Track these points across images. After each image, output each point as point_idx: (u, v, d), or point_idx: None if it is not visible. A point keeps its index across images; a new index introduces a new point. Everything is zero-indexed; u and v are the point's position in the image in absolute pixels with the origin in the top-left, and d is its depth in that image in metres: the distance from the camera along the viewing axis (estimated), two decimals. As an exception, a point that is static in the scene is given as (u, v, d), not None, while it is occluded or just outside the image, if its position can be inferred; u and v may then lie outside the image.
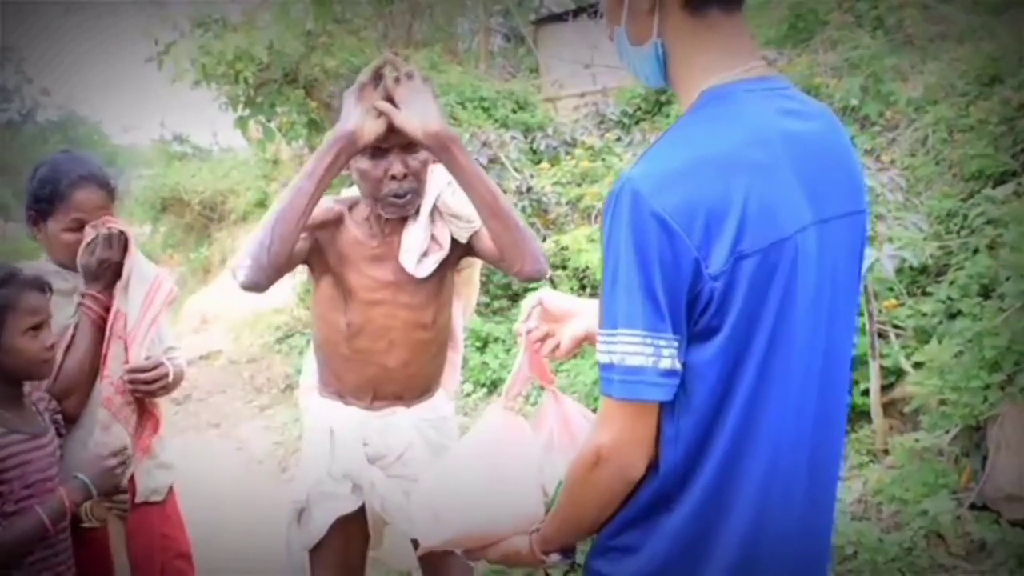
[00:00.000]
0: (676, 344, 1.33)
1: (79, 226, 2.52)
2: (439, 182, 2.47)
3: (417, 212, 2.46)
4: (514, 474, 1.73)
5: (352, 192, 2.54)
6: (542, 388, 1.89)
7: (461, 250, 2.53)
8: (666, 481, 1.41)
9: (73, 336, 2.48)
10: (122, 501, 2.40)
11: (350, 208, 2.50)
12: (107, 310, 2.50)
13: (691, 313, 1.34)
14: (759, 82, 1.44)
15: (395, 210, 2.37)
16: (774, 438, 1.40)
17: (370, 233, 2.47)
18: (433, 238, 2.47)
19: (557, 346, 1.84)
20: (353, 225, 2.48)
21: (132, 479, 2.61)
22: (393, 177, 2.31)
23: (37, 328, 2.25)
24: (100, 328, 2.49)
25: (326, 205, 2.45)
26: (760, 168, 1.35)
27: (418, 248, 2.43)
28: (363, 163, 2.32)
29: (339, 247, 2.47)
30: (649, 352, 1.32)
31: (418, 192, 2.39)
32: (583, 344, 1.83)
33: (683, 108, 1.48)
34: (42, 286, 2.29)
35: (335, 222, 2.47)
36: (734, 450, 1.38)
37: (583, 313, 1.82)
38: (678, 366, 1.34)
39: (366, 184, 2.36)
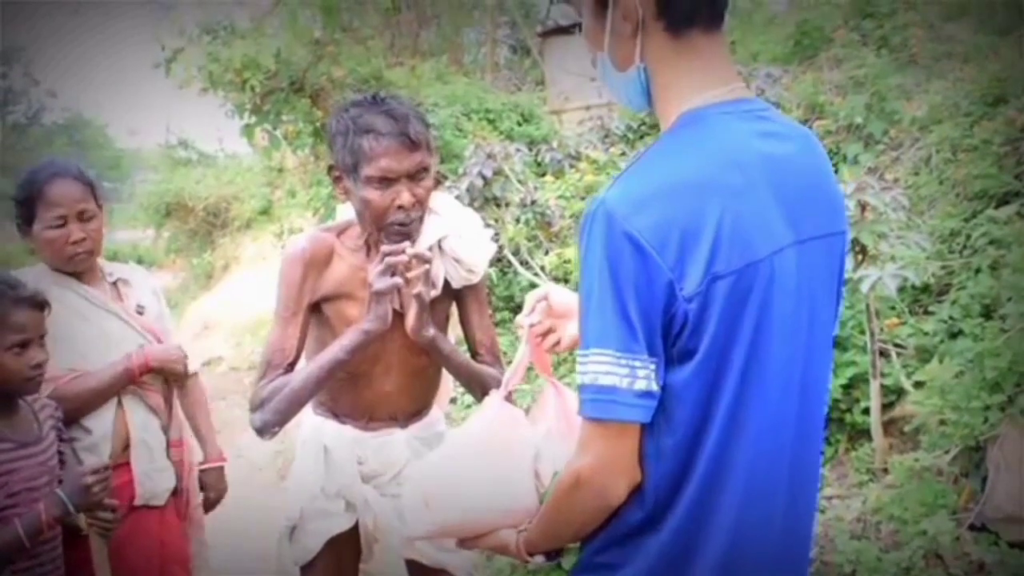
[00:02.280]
0: (652, 366, 1.33)
1: (61, 223, 2.54)
2: (445, 223, 2.42)
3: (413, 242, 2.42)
4: (508, 464, 1.73)
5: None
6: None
7: (450, 297, 2.50)
8: (648, 501, 1.42)
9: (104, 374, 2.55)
10: (104, 519, 2.36)
11: (339, 235, 2.46)
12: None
13: (667, 335, 1.34)
14: (737, 104, 1.45)
15: (398, 238, 2.33)
16: (754, 457, 1.40)
17: (366, 258, 2.42)
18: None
19: (558, 342, 1.86)
20: (347, 253, 2.43)
21: (132, 484, 2.62)
22: (400, 207, 2.27)
23: (24, 346, 2.23)
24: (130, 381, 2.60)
25: (316, 237, 2.43)
26: (735, 190, 1.35)
27: None
28: (370, 193, 2.26)
29: (333, 279, 2.41)
30: (623, 373, 1.32)
31: (421, 219, 2.36)
32: None
33: (663, 130, 1.48)
34: (37, 303, 2.28)
35: (325, 258, 2.41)
36: (715, 469, 1.39)
37: None
38: (655, 388, 1.34)
39: (370, 213, 2.30)
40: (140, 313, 2.76)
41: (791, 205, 1.42)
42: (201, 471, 2.89)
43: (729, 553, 1.41)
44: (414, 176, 2.27)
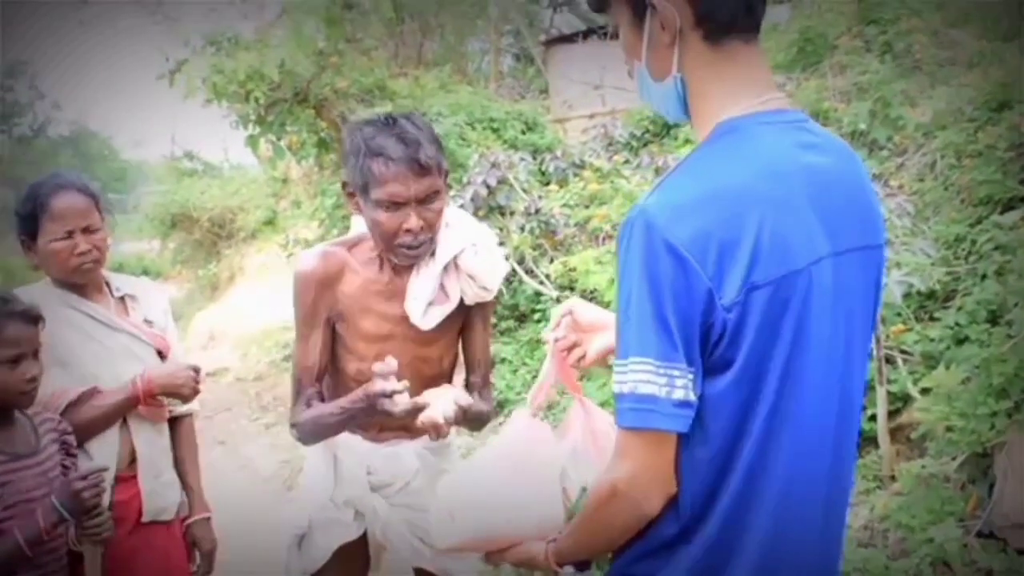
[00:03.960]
0: (691, 375, 1.33)
1: (67, 235, 2.51)
2: (461, 239, 2.41)
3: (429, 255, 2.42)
4: (535, 479, 1.73)
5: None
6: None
7: (461, 313, 2.49)
8: (683, 513, 1.42)
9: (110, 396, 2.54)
10: (95, 526, 2.29)
11: (351, 248, 2.46)
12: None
13: (705, 344, 1.34)
14: (776, 115, 1.45)
15: (407, 259, 2.33)
16: (790, 471, 1.40)
17: (379, 271, 2.42)
18: (442, 288, 2.42)
19: (583, 356, 1.86)
20: (359, 267, 2.43)
21: (139, 498, 2.61)
22: (408, 230, 2.27)
23: (16, 360, 2.23)
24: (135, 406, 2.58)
25: (327, 252, 2.43)
26: (774, 200, 1.35)
27: (425, 297, 2.39)
28: (380, 215, 2.26)
29: (346, 294, 2.42)
30: (662, 382, 1.31)
31: (431, 240, 2.35)
32: (608, 356, 1.83)
33: (699, 139, 1.48)
34: (31, 318, 2.27)
35: (337, 274, 2.42)
36: (750, 483, 1.39)
37: (612, 326, 1.82)
38: (692, 397, 1.34)
39: (379, 234, 2.30)
40: (149, 324, 2.75)
41: (829, 217, 1.42)
42: (189, 524, 2.83)
43: (762, 567, 1.41)
44: (423, 200, 2.26)
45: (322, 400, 2.46)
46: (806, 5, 9.90)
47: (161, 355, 2.73)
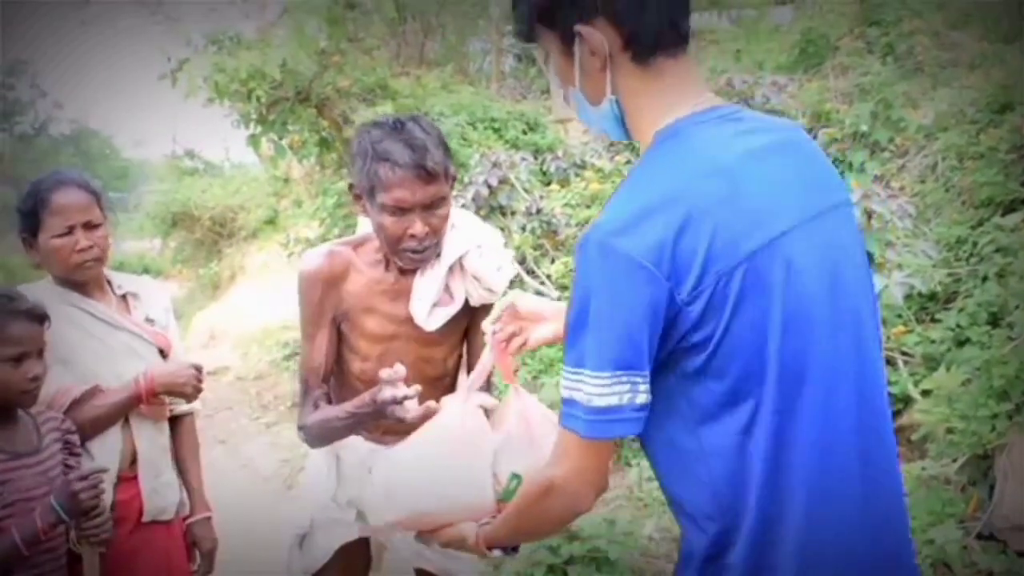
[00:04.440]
0: (648, 377, 1.37)
1: (67, 231, 2.50)
2: (467, 241, 2.40)
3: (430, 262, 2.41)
4: (467, 463, 1.82)
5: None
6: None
7: (466, 314, 2.48)
8: (715, 522, 1.43)
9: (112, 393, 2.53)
10: (94, 527, 2.27)
11: (356, 248, 2.45)
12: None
13: (668, 337, 1.37)
14: (710, 112, 1.48)
15: (412, 263, 2.33)
16: (815, 448, 1.40)
17: (384, 271, 2.42)
18: (447, 289, 2.42)
19: (524, 343, 1.94)
20: (364, 267, 2.42)
21: (140, 498, 2.61)
22: (413, 236, 2.26)
23: (20, 359, 2.21)
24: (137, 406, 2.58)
25: (332, 252, 2.43)
26: (720, 192, 1.37)
27: (430, 298, 2.38)
28: (385, 219, 2.25)
29: (351, 293, 2.42)
30: (624, 390, 1.35)
31: (436, 244, 2.34)
32: (548, 343, 1.95)
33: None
34: (36, 316, 2.26)
35: (342, 273, 2.42)
36: (772, 469, 1.39)
37: (552, 318, 1.91)
38: (648, 399, 1.38)
39: (384, 238, 2.30)
40: (151, 322, 2.74)
41: (785, 190, 1.44)
42: (190, 524, 2.81)
43: (805, 555, 1.40)
44: (429, 206, 2.25)
45: (329, 401, 2.45)
46: (808, 6, 9.92)
47: (163, 353, 2.72)
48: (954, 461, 3.99)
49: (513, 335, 1.93)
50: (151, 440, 2.66)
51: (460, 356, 2.58)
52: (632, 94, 1.49)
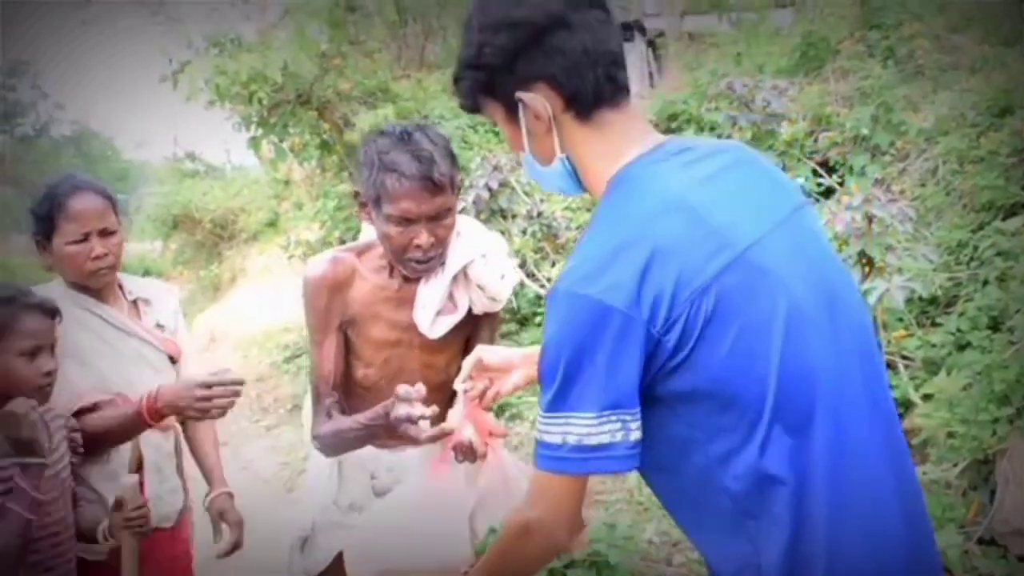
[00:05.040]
0: (638, 415, 1.39)
1: (82, 238, 2.48)
2: (471, 249, 2.40)
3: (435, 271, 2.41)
4: (445, 520, 1.90)
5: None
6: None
7: (469, 323, 2.48)
8: (748, 544, 1.43)
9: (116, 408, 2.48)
10: (138, 516, 2.27)
11: (360, 254, 2.45)
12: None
13: (654, 371, 1.39)
14: (657, 151, 1.52)
15: (417, 273, 2.32)
16: (836, 440, 1.40)
17: (388, 278, 2.41)
18: (451, 297, 2.42)
19: (496, 394, 2.01)
20: (368, 273, 2.42)
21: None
22: (419, 246, 2.26)
23: (34, 353, 2.19)
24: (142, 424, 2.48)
25: (336, 258, 2.42)
26: (675, 225, 1.40)
27: (434, 306, 2.38)
28: (390, 229, 2.25)
29: (356, 300, 2.41)
30: (616, 428, 1.37)
31: (442, 254, 2.34)
32: (521, 389, 2.02)
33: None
34: (48, 311, 2.25)
35: (347, 280, 2.41)
36: (798, 490, 1.38)
37: (522, 364, 1.99)
38: (640, 435, 1.40)
39: (389, 247, 2.30)
40: (161, 328, 2.72)
41: (745, 204, 1.47)
42: (213, 499, 2.78)
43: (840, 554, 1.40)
44: (435, 217, 2.25)
45: (342, 410, 2.44)
46: (809, 10, 9.91)
47: (173, 360, 2.71)
48: (955, 465, 3.98)
49: (484, 390, 1.99)
50: (157, 447, 2.64)
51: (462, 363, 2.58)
52: (580, 150, 1.54)
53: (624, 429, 1.38)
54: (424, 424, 2.09)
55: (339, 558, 2.50)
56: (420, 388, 2.12)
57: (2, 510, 2.10)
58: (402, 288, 2.40)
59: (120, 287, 2.70)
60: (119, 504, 2.25)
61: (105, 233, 2.53)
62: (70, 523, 2.30)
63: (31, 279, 2.71)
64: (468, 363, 2.00)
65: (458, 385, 1.99)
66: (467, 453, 2.10)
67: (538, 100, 1.50)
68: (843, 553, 1.39)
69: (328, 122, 8.62)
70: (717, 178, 1.49)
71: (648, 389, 1.40)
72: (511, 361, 2.01)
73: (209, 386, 2.42)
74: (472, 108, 1.61)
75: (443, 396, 2.52)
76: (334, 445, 2.40)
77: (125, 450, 2.53)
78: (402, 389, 2.11)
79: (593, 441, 1.37)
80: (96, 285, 2.57)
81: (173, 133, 32.53)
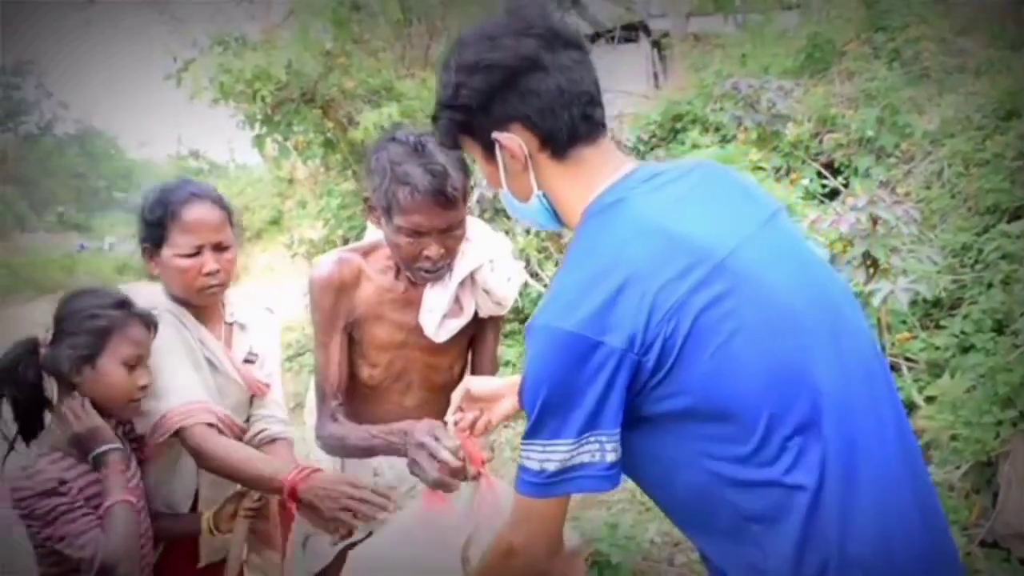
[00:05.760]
0: (617, 436, 1.40)
1: (195, 251, 2.32)
2: (479, 255, 2.39)
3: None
4: (437, 551, 1.91)
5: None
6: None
7: (475, 325, 2.47)
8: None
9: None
10: (255, 502, 2.26)
11: (366, 255, 2.43)
12: None
13: (634, 390, 1.39)
14: (629, 178, 1.53)
15: (425, 279, 2.31)
16: (839, 429, 1.39)
17: (394, 279, 2.40)
18: (457, 301, 2.41)
19: (488, 424, 2.04)
20: (375, 274, 2.40)
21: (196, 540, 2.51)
22: (428, 257, 2.24)
23: (134, 364, 2.14)
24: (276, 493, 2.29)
25: (342, 259, 2.40)
26: (652, 249, 1.41)
27: (440, 310, 2.37)
28: (400, 240, 2.22)
29: (362, 301, 2.40)
30: (594, 449, 1.39)
31: (451, 263, 2.32)
32: (510, 417, 2.05)
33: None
34: (151, 323, 2.19)
35: (353, 281, 2.40)
36: (816, 499, 1.37)
37: (509, 392, 2.02)
38: (618, 457, 1.41)
39: (399, 255, 2.28)
40: (251, 361, 2.55)
41: (718, 219, 1.48)
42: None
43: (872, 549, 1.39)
44: (446, 230, 2.23)
45: (345, 414, 2.41)
46: (815, 11, 9.91)
47: (253, 397, 2.56)
48: (958, 468, 3.97)
49: (475, 420, 2.02)
50: (215, 483, 2.46)
51: (465, 363, 2.58)
52: (557, 186, 1.56)
53: (601, 450, 1.39)
54: (430, 467, 2.02)
55: (341, 555, 2.50)
56: (454, 437, 2.05)
57: (109, 513, 2.05)
58: (408, 290, 2.39)
59: (222, 305, 2.54)
60: (240, 494, 2.26)
61: (219, 247, 2.37)
62: (151, 535, 2.26)
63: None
64: (457, 395, 2.02)
65: (448, 417, 2.01)
66: (455, 475, 2.08)
67: (514, 140, 1.53)
68: (860, 554, 1.38)
69: (332, 120, 8.63)
70: (689, 196, 1.51)
71: (637, 409, 1.41)
72: (499, 391, 2.04)
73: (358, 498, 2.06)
74: (452, 145, 1.64)
75: (446, 396, 2.52)
76: (339, 449, 2.39)
77: (187, 486, 2.45)
78: (440, 424, 2.08)
79: (570, 463, 1.40)
80: (201, 303, 2.42)
81: (177, 132, 32.63)
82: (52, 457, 2.07)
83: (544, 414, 1.40)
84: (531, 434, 1.43)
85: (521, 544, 1.53)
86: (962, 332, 4.46)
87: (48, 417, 2.20)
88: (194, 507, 2.47)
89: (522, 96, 1.50)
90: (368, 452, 2.32)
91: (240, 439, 2.45)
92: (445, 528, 1.91)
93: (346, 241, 9.01)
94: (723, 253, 1.41)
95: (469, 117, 1.55)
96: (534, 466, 1.43)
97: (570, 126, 1.52)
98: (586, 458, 1.40)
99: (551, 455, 1.41)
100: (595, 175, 1.54)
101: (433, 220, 2.19)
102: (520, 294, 6.60)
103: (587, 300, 1.37)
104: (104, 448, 2.09)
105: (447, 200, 2.17)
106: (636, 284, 1.36)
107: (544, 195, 1.58)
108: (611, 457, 1.40)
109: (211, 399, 2.36)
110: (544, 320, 1.40)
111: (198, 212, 2.34)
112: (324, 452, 2.45)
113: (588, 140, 1.54)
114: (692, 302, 1.36)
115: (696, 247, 1.41)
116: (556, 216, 1.61)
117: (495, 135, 1.54)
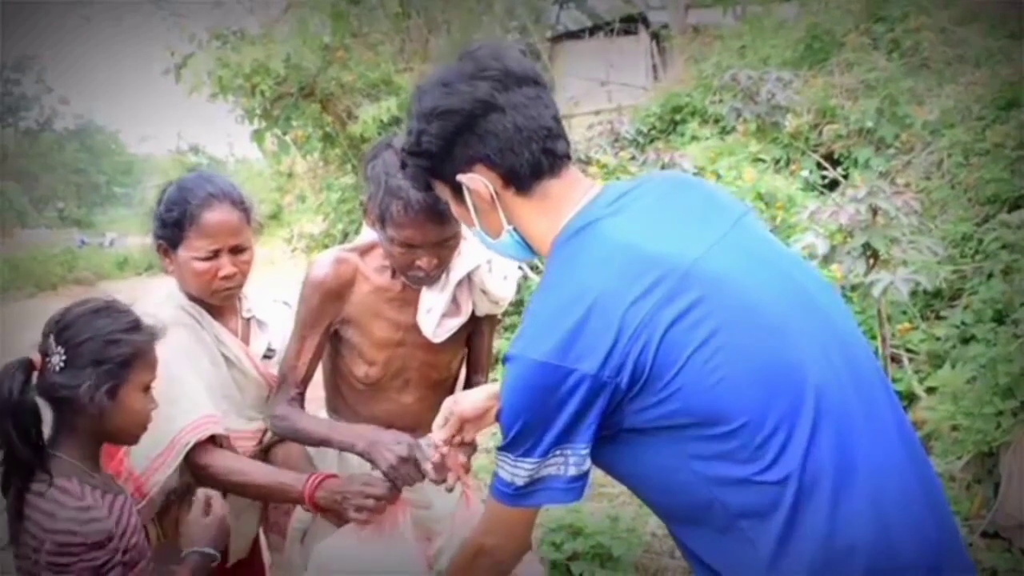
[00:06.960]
0: (585, 450, 1.43)
1: (212, 254, 2.27)
2: (476, 256, 2.36)
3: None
4: (403, 553, 2.02)
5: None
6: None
7: (472, 322, 2.46)
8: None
9: None
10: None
11: (363, 254, 2.40)
12: None
13: (610, 407, 1.40)
14: (595, 203, 1.55)
15: (419, 284, 2.31)
16: (832, 430, 1.39)
17: (391, 278, 2.37)
18: (454, 300, 2.39)
19: (474, 438, 2.07)
20: (371, 273, 2.37)
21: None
22: (420, 267, 2.21)
23: (148, 388, 1.98)
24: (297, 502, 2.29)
25: (339, 260, 2.39)
26: (619, 269, 1.42)
27: (438, 310, 2.36)
28: (394, 249, 2.20)
29: (358, 301, 2.38)
30: (560, 462, 1.44)
31: (444, 271, 2.31)
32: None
33: None
34: (159, 339, 2.03)
35: (348, 283, 2.37)
36: (797, 479, 1.37)
37: (495, 407, 1.97)
38: (586, 469, 1.45)
39: (392, 262, 2.27)
40: (270, 357, 2.51)
41: (685, 227, 1.50)
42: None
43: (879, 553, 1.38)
44: (439, 243, 2.21)
45: (301, 402, 2.40)
46: (814, 2, 9.89)
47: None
48: (959, 459, 3.97)
49: (461, 438, 2.04)
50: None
51: (462, 360, 2.58)
52: (526, 219, 1.59)
53: (565, 464, 1.43)
54: (408, 471, 2.12)
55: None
56: (434, 452, 2.07)
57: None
58: (405, 289, 2.38)
59: (239, 301, 2.50)
60: (181, 496, 2.22)
61: (237, 250, 2.32)
62: (147, 552, 2.12)
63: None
64: (442, 412, 2.02)
65: (435, 435, 2.02)
66: (439, 471, 2.09)
67: (478, 180, 1.56)
68: (857, 541, 1.37)
69: (331, 115, 8.62)
70: (654, 212, 1.53)
71: (619, 423, 1.43)
72: (484, 406, 2.04)
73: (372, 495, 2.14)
74: (423, 189, 1.68)
75: (443, 392, 2.51)
76: (288, 431, 2.38)
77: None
78: (425, 441, 2.11)
79: (536, 476, 1.45)
80: (217, 303, 2.38)
81: (177, 127, 32.66)
82: (78, 492, 1.86)
83: (519, 436, 1.44)
84: (505, 448, 1.48)
85: (492, 546, 1.61)
86: (963, 323, 4.46)
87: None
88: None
89: (481, 138, 1.53)
90: (320, 444, 2.35)
91: (260, 440, 2.49)
92: (408, 525, 1.98)
93: (345, 235, 9.00)
94: (688, 263, 1.42)
95: (433, 163, 1.59)
96: (506, 477, 1.48)
97: (531, 162, 1.54)
98: (552, 471, 1.44)
99: (519, 470, 1.46)
100: (562, 205, 1.57)
101: (426, 235, 2.17)
102: (521, 287, 6.60)
103: (556, 328, 1.40)
104: (206, 550, 2.02)
105: (440, 216, 2.11)
106: (603, 307, 1.39)
107: (515, 229, 1.61)
108: (573, 471, 1.44)
109: (225, 400, 2.35)
110: (518, 350, 1.44)
111: (217, 216, 2.27)
112: (273, 432, 2.43)
113: (552, 173, 1.56)
114: (660, 317, 1.38)
115: (661, 261, 1.43)
116: (530, 248, 1.64)
117: (459, 177, 1.57)
